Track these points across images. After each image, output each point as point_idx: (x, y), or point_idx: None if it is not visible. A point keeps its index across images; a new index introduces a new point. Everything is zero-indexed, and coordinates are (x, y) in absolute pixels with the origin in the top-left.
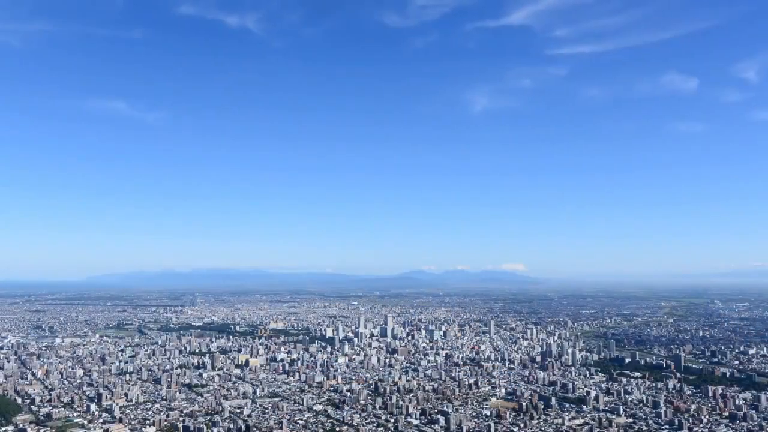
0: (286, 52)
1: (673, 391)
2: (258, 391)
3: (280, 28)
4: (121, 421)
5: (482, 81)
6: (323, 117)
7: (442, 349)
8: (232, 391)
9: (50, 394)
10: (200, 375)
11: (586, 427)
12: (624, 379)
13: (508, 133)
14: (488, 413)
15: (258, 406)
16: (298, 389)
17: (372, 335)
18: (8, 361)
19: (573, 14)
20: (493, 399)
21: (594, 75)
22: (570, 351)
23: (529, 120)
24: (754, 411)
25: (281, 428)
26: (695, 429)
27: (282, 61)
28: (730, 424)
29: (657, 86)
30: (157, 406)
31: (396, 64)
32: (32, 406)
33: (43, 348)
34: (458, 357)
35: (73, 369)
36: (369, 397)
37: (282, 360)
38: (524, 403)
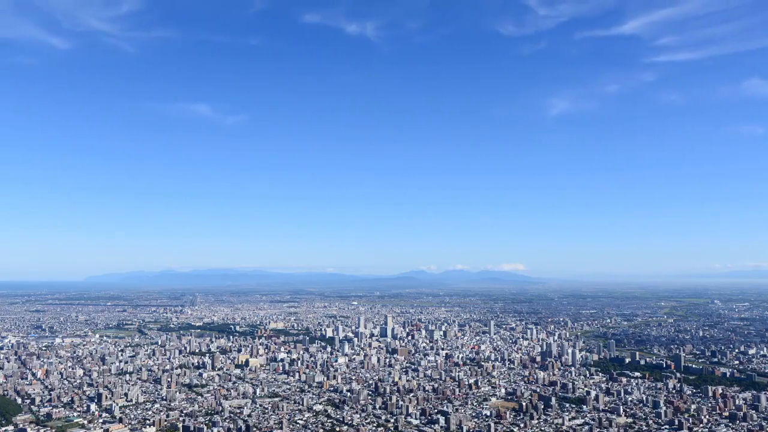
0: (392, 57)
1: (673, 391)
2: (258, 391)
3: (396, 36)
4: (121, 421)
5: (567, 86)
6: (327, 117)
7: (442, 349)
8: (232, 391)
9: (50, 394)
10: (200, 375)
11: (586, 427)
12: (624, 379)
13: (510, 134)
14: (488, 413)
15: (258, 406)
16: (298, 389)
17: (372, 335)
18: (8, 361)
19: (680, 24)
20: (493, 399)
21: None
22: (570, 351)
23: (551, 123)
24: (754, 411)
25: (281, 428)
26: (695, 429)
27: (380, 65)
28: (730, 424)
29: (734, 91)
30: (157, 406)
31: (490, 70)
32: (32, 406)
33: (43, 348)
34: (458, 357)
35: (73, 369)
36: (369, 397)
37: (282, 360)
38: (524, 403)
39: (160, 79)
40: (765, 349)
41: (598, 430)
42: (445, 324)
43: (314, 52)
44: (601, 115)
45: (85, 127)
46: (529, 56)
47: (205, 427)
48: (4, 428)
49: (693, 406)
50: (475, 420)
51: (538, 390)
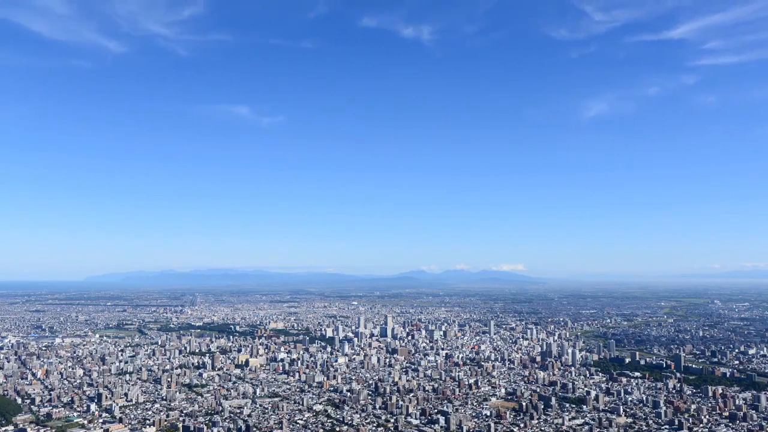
0: (442, 60)
1: (673, 391)
2: (258, 391)
3: (450, 39)
4: (121, 421)
5: (607, 89)
6: (342, 118)
7: (442, 349)
8: (232, 391)
9: (50, 394)
10: (200, 375)
11: (586, 427)
12: (624, 379)
13: (525, 135)
14: (488, 413)
15: (258, 406)
16: (298, 389)
17: (372, 335)
18: (8, 361)
19: (730, 29)
20: (493, 399)
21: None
22: (570, 351)
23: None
24: (754, 411)
25: (281, 428)
26: (695, 429)
27: (427, 68)
28: (730, 424)
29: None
30: (157, 406)
31: (533, 72)
32: (32, 406)
33: (43, 348)
34: (458, 357)
35: (73, 369)
36: (369, 397)
37: (282, 360)
38: (524, 403)
39: (206, 81)
40: (765, 349)
41: (598, 430)
42: (445, 324)
43: (365, 56)
44: (631, 117)
45: (89, 128)
46: (576, 60)
47: (205, 427)
48: (4, 428)
49: (693, 406)
50: (475, 420)
51: (538, 390)
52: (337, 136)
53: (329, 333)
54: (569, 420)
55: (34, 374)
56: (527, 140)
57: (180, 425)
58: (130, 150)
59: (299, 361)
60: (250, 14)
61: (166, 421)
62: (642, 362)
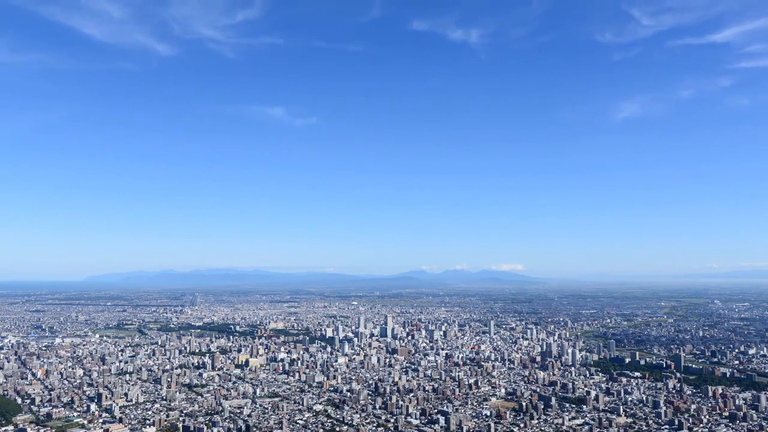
0: (485, 63)
1: (673, 391)
2: (258, 391)
3: (497, 43)
4: (121, 421)
5: (641, 91)
6: (354, 119)
7: (442, 349)
8: (232, 391)
9: (50, 394)
10: (200, 375)
11: (586, 427)
12: (624, 379)
13: (526, 135)
14: (488, 413)
15: (258, 406)
16: (298, 389)
17: (372, 335)
18: (8, 361)
19: None
20: (493, 399)
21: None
22: (570, 351)
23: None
24: (754, 411)
25: (281, 428)
26: (695, 429)
27: (468, 70)
28: (730, 424)
29: None
30: (157, 406)
31: (570, 74)
32: (32, 406)
33: (43, 348)
34: (458, 357)
35: (73, 369)
36: (369, 397)
37: (282, 360)
38: (524, 403)
39: (246, 83)
40: (765, 349)
41: (598, 430)
42: (445, 324)
43: (409, 58)
44: (658, 119)
45: (89, 129)
46: (617, 62)
47: (205, 427)
48: (4, 428)
49: (693, 406)
50: (475, 420)
51: (538, 390)
52: (350, 138)
53: (329, 333)
54: (569, 420)
55: (34, 374)
56: (539, 141)
57: (180, 425)
58: (132, 150)
59: (299, 361)
60: (303, 18)
61: (166, 421)
62: (642, 362)
